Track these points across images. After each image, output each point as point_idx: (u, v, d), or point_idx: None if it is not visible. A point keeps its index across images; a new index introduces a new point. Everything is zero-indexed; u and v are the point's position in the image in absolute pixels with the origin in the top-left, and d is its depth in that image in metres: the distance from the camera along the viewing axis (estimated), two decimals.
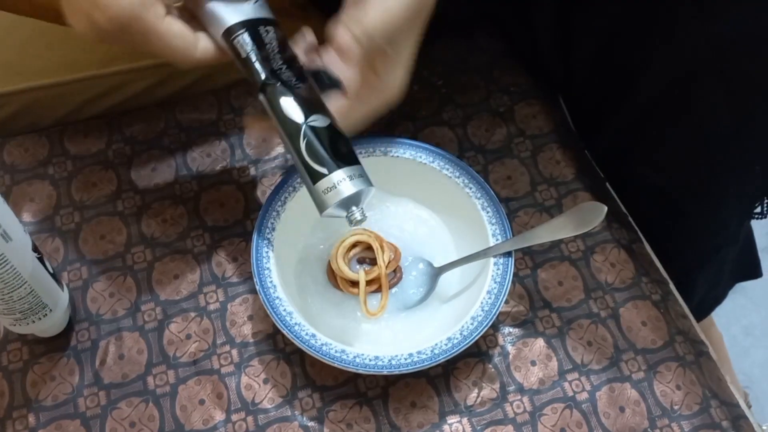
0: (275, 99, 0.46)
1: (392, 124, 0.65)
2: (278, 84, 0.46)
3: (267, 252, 0.53)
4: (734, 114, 0.56)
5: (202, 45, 0.47)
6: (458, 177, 0.57)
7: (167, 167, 0.63)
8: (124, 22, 0.43)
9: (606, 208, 0.50)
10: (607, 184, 0.65)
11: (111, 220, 0.60)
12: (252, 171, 0.63)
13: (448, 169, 0.57)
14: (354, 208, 0.46)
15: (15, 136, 0.64)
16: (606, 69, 0.63)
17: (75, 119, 0.66)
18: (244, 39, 0.46)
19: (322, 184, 0.45)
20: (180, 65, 0.47)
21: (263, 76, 0.46)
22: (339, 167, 0.45)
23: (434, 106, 0.67)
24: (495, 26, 0.72)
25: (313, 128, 0.46)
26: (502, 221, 0.55)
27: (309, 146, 0.45)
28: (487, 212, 0.55)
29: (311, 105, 0.46)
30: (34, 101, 0.66)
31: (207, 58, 0.47)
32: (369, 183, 0.46)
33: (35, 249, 0.49)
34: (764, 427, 1.07)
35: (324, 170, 0.45)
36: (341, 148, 0.46)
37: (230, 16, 0.47)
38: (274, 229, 0.54)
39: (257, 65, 0.46)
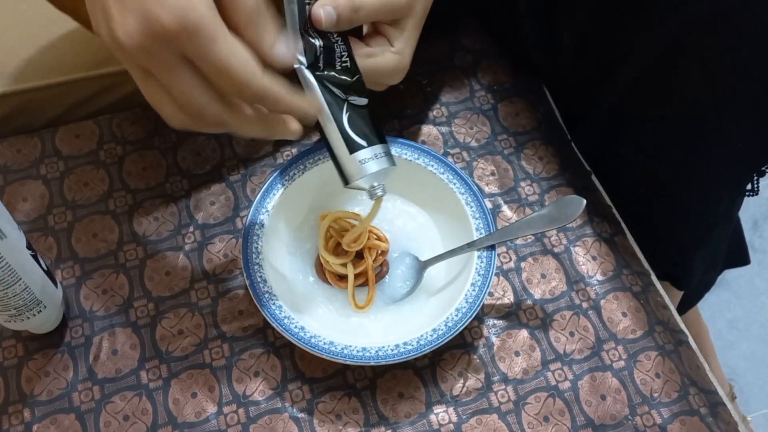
0: (324, 74, 0.47)
1: (379, 123, 0.66)
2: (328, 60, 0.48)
3: (256, 248, 0.54)
4: (713, 94, 0.56)
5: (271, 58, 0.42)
6: (443, 173, 0.58)
7: (158, 166, 0.64)
8: (192, 23, 0.38)
9: (585, 202, 0.51)
10: (593, 177, 0.66)
11: (103, 219, 0.61)
12: (242, 169, 0.64)
13: (433, 166, 0.58)
14: (376, 183, 0.49)
15: (7, 137, 0.65)
16: (589, 55, 0.64)
17: (66, 121, 0.67)
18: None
19: (360, 154, 0.47)
20: (238, 96, 0.43)
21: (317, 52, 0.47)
22: (378, 142, 0.48)
23: (420, 104, 0.68)
24: (480, 22, 0.73)
25: (354, 104, 0.48)
26: (485, 216, 0.56)
27: (351, 119, 0.48)
28: (471, 207, 0.56)
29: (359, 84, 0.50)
30: (25, 103, 0.67)
31: (272, 86, 0.42)
32: (394, 162, 0.49)
33: (29, 246, 0.50)
34: (749, 418, 1.08)
35: (363, 142, 0.48)
36: (376, 127, 0.49)
37: None
38: (263, 226, 0.55)
39: (312, 39, 0.47)
